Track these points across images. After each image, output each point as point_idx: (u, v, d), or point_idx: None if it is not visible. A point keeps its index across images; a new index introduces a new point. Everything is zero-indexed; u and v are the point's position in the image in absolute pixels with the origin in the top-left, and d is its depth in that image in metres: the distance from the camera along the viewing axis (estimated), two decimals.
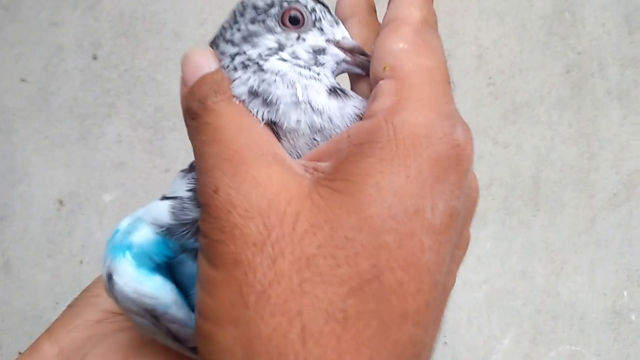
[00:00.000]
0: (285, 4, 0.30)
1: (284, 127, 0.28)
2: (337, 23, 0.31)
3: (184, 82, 0.30)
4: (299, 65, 0.29)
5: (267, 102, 0.28)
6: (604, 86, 1.32)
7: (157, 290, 0.28)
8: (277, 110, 0.28)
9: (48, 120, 1.20)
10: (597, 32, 1.33)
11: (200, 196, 0.26)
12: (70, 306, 0.42)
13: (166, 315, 0.28)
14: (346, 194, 0.24)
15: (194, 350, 0.31)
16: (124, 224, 0.30)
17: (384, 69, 0.27)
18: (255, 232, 0.24)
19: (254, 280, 0.23)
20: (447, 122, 0.25)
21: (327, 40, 0.31)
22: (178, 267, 0.30)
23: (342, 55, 0.30)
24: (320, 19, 0.31)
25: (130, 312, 0.29)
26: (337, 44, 0.31)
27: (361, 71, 0.31)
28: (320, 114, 0.28)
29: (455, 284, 0.30)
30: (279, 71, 0.28)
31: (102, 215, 1.20)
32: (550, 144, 1.21)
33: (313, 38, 0.31)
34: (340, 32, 0.31)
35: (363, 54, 0.31)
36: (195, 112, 0.28)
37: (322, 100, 0.28)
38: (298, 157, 0.28)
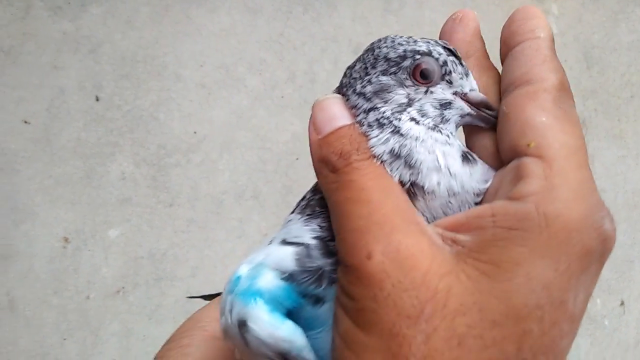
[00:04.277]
0: (417, 57, 0.31)
1: (425, 188, 0.29)
2: (466, 75, 0.31)
3: (316, 128, 0.30)
4: (430, 128, 0.30)
5: (410, 165, 0.29)
6: None
7: (291, 334, 0.29)
8: (420, 172, 0.29)
9: (51, 161, 1.22)
10: None
11: (348, 257, 0.26)
12: (160, 357, 0.43)
13: (299, 358, 0.29)
14: (494, 279, 0.24)
15: None
16: (244, 269, 0.30)
17: (529, 145, 0.27)
18: (408, 305, 0.24)
19: (409, 353, 0.24)
20: (597, 214, 0.26)
21: (455, 93, 0.31)
22: (297, 311, 0.31)
23: (467, 109, 0.31)
24: (450, 72, 0.31)
25: (261, 356, 0.29)
26: (464, 97, 0.31)
27: (485, 125, 0.31)
28: (456, 179, 0.29)
29: None
30: (417, 137, 0.30)
31: (108, 251, 1.23)
32: None
33: (441, 91, 0.31)
34: (469, 85, 0.31)
35: (489, 107, 0.31)
36: (336, 165, 0.29)
37: (458, 166, 0.29)
38: (430, 219, 0.29)
